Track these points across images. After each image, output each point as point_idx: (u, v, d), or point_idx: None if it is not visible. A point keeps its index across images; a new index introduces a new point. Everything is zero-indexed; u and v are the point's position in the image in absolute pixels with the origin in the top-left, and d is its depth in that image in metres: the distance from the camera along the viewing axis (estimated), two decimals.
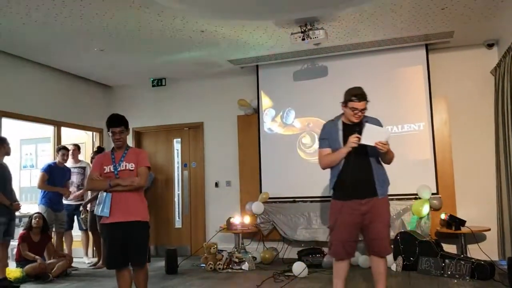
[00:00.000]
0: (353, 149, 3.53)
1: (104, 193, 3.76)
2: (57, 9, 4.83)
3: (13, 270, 5.71)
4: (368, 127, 3.50)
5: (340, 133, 3.69)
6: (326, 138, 3.77)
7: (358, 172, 3.57)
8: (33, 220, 6.02)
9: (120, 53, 6.43)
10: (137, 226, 3.78)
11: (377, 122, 3.69)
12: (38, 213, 6.20)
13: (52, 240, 6.47)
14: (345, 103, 3.67)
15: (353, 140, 3.52)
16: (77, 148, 7.22)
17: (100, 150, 7.07)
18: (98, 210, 3.79)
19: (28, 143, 8.61)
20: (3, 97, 6.18)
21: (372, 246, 3.69)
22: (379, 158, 3.69)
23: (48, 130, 7.34)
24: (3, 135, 6.02)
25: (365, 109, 3.62)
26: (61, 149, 6.68)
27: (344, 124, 3.73)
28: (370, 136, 3.48)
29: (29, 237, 6.02)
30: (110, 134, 3.89)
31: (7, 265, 5.62)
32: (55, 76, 7.16)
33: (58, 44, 5.95)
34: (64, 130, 7.35)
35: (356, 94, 3.61)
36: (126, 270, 3.87)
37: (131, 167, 3.83)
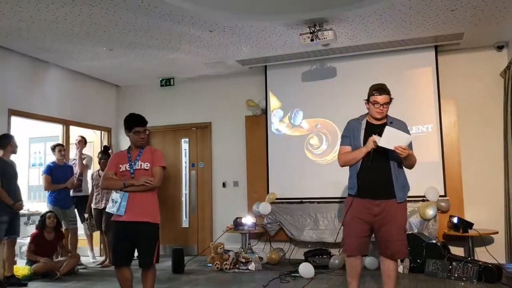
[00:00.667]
0: (374, 150, 3.49)
1: (120, 193, 3.78)
2: (66, 9, 4.86)
3: (21, 268, 5.74)
4: (388, 130, 3.44)
5: (362, 132, 3.65)
6: (348, 135, 3.73)
7: (377, 173, 3.53)
8: (47, 220, 6.04)
9: (129, 53, 6.46)
10: (146, 226, 3.80)
11: (403, 125, 3.66)
12: (51, 211, 6.21)
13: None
14: (367, 99, 3.66)
15: (372, 141, 3.49)
16: (83, 140, 7.13)
17: (106, 149, 7.10)
18: (112, 209, 3.80)
19: (37, 142, 8.65)
20: (12, 95, 6.23)
21: (385, 248, 3.61)
22: (401, 162, 3.61)
23: (57, 129, 7.37)
24: (12, 133, 6.07)
25: (387, 103, 3.58)
26: (56, 146, 6.63)
27: (368, 123, 3.68)
28: (389, 139, 3.41)
29: (42, 237, 6.05)
30: (131, 133, 3.89)
31: (14, 263, 5.66)
32: (64, 75, 7.20)
33: (67, 43, 5.99)
34: (73, 128, 7.39)
35: (377, 88, 3.60)
36: (127, 268, 3.89)
37: (146, 166, 3.85)
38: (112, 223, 3.91)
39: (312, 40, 5.41)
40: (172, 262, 6.24)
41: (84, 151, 7.23)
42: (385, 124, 3.57)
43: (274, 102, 7.25)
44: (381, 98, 3.56)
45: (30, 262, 5.94)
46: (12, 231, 5.49)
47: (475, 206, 6.25)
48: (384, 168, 3.55)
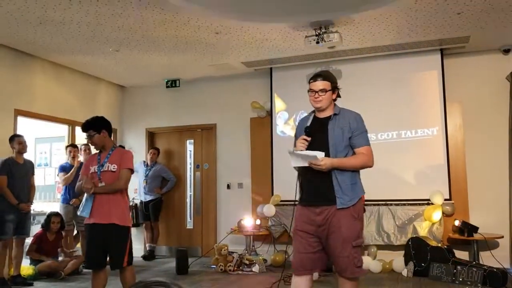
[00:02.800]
0: (310, 148, 3.03)
1: (87, 195, 3.82)
2: (73, 9, 4.89)
3: (25, 267, 5.78)
4: (292, 154, 3.00)
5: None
6: (296, 136, 3.26)
7: (316, 178, 3.00)
8: (51, 224, 6.07)
9: (135, 54, 6.48)
10: (113, 229, 3.78)
11: (351, 116, 3.11)
12: (56, 214, 6.21)
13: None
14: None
15: (299, 144, 3.06)
16: (87, 148, 7.15)
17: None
18: (80, 210, 3.85)
19: (43, 142, 8.71)
20: (18, 96, 6.26)
21: (334, 263, 3.07)
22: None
23: (62, 129, 7.41)
24: (18, 133, 6.10)
25: (324, 90, 3.06)
26: (68, 147, 6.68)
27: (314, 118, 3.21)
28: (298, 161, 2.99)
29: (45, 237, 6.10)
30: None
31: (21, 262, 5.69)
32: (70, 76, 7.24)
33: (74, 44, 6.02)
34: (79, 129, 7.39)
35: (313, 75, 3.16)
36: (102, 272, 3.88)
37: (114, 168, 3.85)
38: (85, 227, 3.96)
39: (317, 42, 5.42)
40: (176, 263, 6.24)
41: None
42: (330, 117, 3.10)
43: (279, 104, 7.25)
44: (315, 85, 3.09)
45: (34, 262, 5.96)
46: (21, 231, 5.52)
47: (480, 210, 6.22)
48: (324, 171, 2.97)
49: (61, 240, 6.31)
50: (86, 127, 3.96)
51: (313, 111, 3.23)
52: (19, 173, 5.55)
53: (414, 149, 6.44)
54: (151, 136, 8.40)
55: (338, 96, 3.19)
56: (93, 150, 4.27)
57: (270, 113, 7.32)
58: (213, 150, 7.94)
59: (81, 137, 7.32)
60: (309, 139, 3.03)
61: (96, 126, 3.94)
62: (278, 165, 7.10)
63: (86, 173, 3.92)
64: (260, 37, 5.88)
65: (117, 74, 7.73)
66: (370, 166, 3.11)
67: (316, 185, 3.03)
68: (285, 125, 7.18)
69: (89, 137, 3.93)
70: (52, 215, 6.15)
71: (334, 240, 2.95)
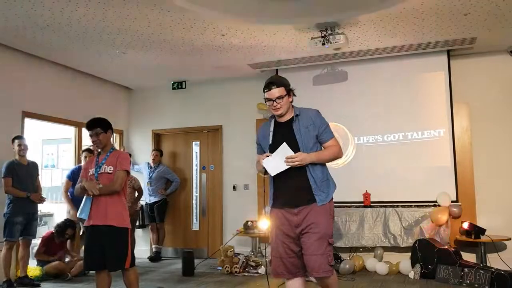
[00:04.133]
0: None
1: (87, 198, 3.83)
2: (80, 12, 4.91)
3: (32, 269, 5.81)
4: (266, 161, 3.04)
5: (271, 134, 3.17)
6: (258, 143, 3.30)
7: (291, 177, 3.04)
8: (65, 234, 6.08)
9: (142, 56, 6.50)
10: (111, 231, 3.78)
11: (312, 114, 3.16)
12: (73, 227, 6.18)
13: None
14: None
15: (261, 161, 3.07)
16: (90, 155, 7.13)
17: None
18: (79, 213, 3.88)
19: (50, 143, 8.75)
20: (26, 98, 6.29)
21: (305, 262, 3.01)
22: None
23: (69, 131, 7.44)
24: (25, 135, 6.14)
25: (281, 97, 3.08)
26: (84, 151, 6.62)
27: (276, 122, 3.22)
28: (276, 164, 3.02)
29: (52, 240, 6.13)
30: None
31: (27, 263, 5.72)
32: (77, 78, 7.27)
33: (81, 46, 6.05)
34: (85, 131, 7.40)
35: (266, 84, 3.13)
36: (104, 273, 3.87)
37: (110, 170, 3.87)
38: (85, 228, 3.97)
39: (323, 44, 5.42)
40: (182, 265, 6.25)
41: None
42: (292, 119, 3.13)
43: None
44: (271, 93, 3.08)
45: (41, 263, 5.99)
46: (28, 232, 5.55)
47: (488, 212, 6.19)
48: (299, 170, 3.01)
49: (67, 242, 6.33)
50: (94, 124, 3.97)
51: (272, 116, 3.24)
52: (24, 174, 5.58)
53: (420, 150, 6.41)
54: (157, 138, 8.42)
55: (294, 95, 3.21)
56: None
57: None
58: (219, 151, 7.95)
59: (87, 139, 7.36)
60: (269, 155, 3.05)
61: (103, 125, 4.00)
62: None
63: (86, 175, 3.93)
64: (265, 39, 5.88)
65: (123, 76, 7.76)
66: (341, 157, 3.22)
67: (292, 185, 3.06)
68: None
69: (95, 135, 3.93)
70: (69, 227, 6.12)
71: (310, 238, 2.96)
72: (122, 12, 4.92)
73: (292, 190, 3.06)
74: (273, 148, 3.07)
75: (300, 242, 3.02)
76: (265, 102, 3.17)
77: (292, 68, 7.10)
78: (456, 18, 5.26)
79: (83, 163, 6.54)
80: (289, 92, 3.15)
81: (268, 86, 3.11)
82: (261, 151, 3.25)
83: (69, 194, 6.30)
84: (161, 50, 6.25)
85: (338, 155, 3.15)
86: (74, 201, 6.27)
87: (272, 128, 3.18)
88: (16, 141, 5.63)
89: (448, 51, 6.40)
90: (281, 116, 3.15)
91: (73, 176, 6.40)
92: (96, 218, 3.78)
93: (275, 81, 3.15)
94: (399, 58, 6.59)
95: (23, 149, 5.65)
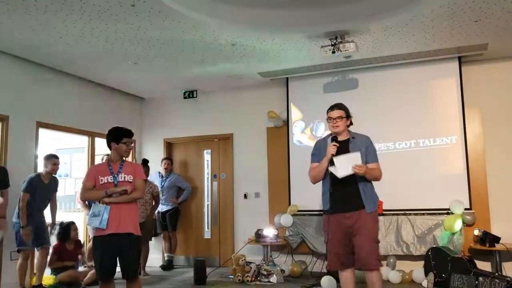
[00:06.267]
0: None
1: (101, 206, 3.83)
2: (92, 24, 4.98)
3: (46, 277, 5.85)
4: (338, 159, 3.70)
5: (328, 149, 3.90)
6: (316, 154, 4.01)
7: (345, 186, 3.73)
8: (72, 232, 6.14)
9: (153, 66, 6.57)
10: (130, 238, 3.83)
11: (366, 140, 3.94)
12: (72, 222, 6.27)
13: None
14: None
15: (331, 147, 3.79)
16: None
17: (145, 162, 7.08)
18: (95, 222, 3.82)
19: (63, 153, 8.83)
20: (40, 108, 6.39)
21: (356, 259, 3.76)
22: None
23: (82, 140, 7.52)
24: (39, 144, 6.22)
25: (341, 117, 3.90)
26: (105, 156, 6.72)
27: (334, 140, 3.92)
28: (344, 167, 3.67)
29: (64, 247, 6.17)
30: (120, 144, 3.98)
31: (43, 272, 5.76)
32: (89, 88, 7.36)
33: (93, 57, 6.12)
34: (98, 140, 7.51)
35: (331, 106, 4.00)
36: (112, 282, 3.91)
37: (130, 178, 3.92)
38: (95, 239, 3.91)
39: (333, 52, 5.43)
40: (194, 273, 6.26)
41: None
42: (348, 140, 3.90)
43: (295, 114, 7.25)
44: (333, 113, 3.92)
45: (55, 272, 6.04)
46: (43, 241, 5.60)
47: (502, 219, 6.11)
48: (351, 181, 3.74)
49: (81, 249, 6.38)
50: (132, 133, 4.10)
51: (329, 136, 4.01)
52: (40, 193, 5.61)
53: (433, 158, 6.37)
54: (169, 147, 8.47)
55: (351, 123, 4.02)
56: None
57: (286, 123, 7.33)
58: (230, 159, 7.97)
59: (100, 148, 7.45)
60: (337, 144, 3.80)
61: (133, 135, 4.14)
62: (295, 174, 7.08)
63: (93, 182, 3.92)
64: (275, 48, 5.91)
65: (135, 86, 7.84)
66: (380, 179, 3.91)
67: (345, 195, 3.76)
68: (301, 135, 7.18)
69: (130, 144, 4.03)
70: (71, 224, 6.21)
71: (360, 238, 3.69)
72: (134, 23, 4.98)
73: (345, 198, 3.76)
74: (332, 160, 3.75)
75: (352, 241, 3.73)
76: (327, 120, 3.98)
77: (302, 76, 7.12)
78: (466, 25, 5.24)
79: None
80: (347, 116, 3.96)
81: (331, 108, 3.98)
82: (317, 160, 3.97)
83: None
84: (172, 60, 6.31)
85: (379, 177, 3.90)
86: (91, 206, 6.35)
87: (329, 144, 3.88)
88: (52, 159, 5.71)
89: (459, 58, 6.37)
90: (338, 134, 3.91)
91: None
92: (116, 226, 3.79)
93: (337, 104, 4.01)
94: (410, 65, 6.57)
95: (57, 168, 5.75)
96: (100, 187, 3.88)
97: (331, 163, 3.74)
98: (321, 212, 6.68)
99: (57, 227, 6.18)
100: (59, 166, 5.82)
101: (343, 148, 3.82)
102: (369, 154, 3.87)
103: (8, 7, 4.53)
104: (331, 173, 3.76)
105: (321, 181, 3.95)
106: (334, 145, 3.80)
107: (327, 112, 3.97)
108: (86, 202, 6.33)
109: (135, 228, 3.89)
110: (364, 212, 3.74)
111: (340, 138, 3.91)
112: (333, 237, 3.79)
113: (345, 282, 3.86)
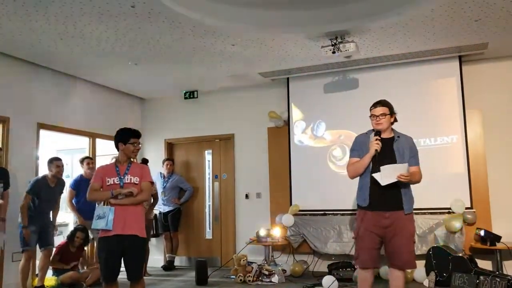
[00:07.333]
0: (380, 160, 3.66)
1: (106, 207, 3.82)
2: (93, 25, 4.99)
3: (48, 279, 5.86)
4: (385, 169, 3.62)
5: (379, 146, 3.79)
6: (356, 149, 3.90)
7: (387, 188, 3.64)
8: (75, 238, 6.13)
9: (154, 67, 6.58)
10: (135, 240, 3.83)
11: (409, 141, 3.85)
12: (82, 230, 6.18)
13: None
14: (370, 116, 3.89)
15: (374, 143, 3.69)
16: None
17: (145, 162, 7.08)
18: (101, 224, 3.80)
19: (64, 154, 8.83)
20: (40, 109, 6.40)
21: (394, 258, 3.73)
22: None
23: (83, 141, 7.53)
24: (40, 145, 6.23)
25: (384, 114, 3.77)
26: (84, 159, 6.60)
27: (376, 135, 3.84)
28: (389, 176, 3.61)
29: (67, 248, 6.17)
30: (128, 144, 3.96)
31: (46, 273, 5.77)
32: (90, 89, 7.37)
33: (94, 58, 6.13)
34: (99, 141, 7.52)
35: (374, 103, 3.88)
36: (116, 284, 3.91)
37: (136, 180, 3.91)
38: (100, 240, 3.89)
39: (333, 52, 5.43)
40: (196, 274, 6.26)
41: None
42: (393, 138, 3.81)
43: (296, 114, 7.26)
44: (376, 111, 3.80)
45: (56, 273, 6.05)
46: (47, 242, 5.62)
47: (503, 218, 6.11)
48: (394, 183, 3.65)
49: (83, 252, 6.38)
50: (140, 134, 4.11)
51: (371, 131, 3.87)
52: (46, 196, 5.62)
53: (433, 157, 6.36)
54: (170, 147, 8.48)
55: (395, 120, 3.87)
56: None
57: (287, 123, 7.33)
58: (231, 160, 7.98)
59: (100, 149, 7.46)
60: (380, 138, 3.71)
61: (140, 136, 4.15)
62: (296, 174, 7.09)
63: (101, 183, 3.91)
64: (276, 48, 5.92)
65: (136, 87, 7.85)
66: (419, 182, 3.83)
67: (387, 195, 3.67)
68: (302, 134, 7.18)
69: (137, 144, 4.02)
70: (78, 231, 6.17)
71: (401, 239, 3.66)
72: (134, 24, 4.99)
73: (386, 199, 3.69)
74: (374, 157, 3.71)
75: (386, 242, 3.72)
76: (370, 118, 3.85)
77: (303, 76, 7.12)
78: (467, 24, 5.24)
79: (83, 171, 6.57)
80: (392, 113, 3.82)
81: (375, 105, 3.85)
82: (357, 155, 3.85)
83: (73, 203, 6.38)
84: (173, 61, 6.31)
85: (419, 180, 3.82)
86: (79, 210, 6.35)
87: (371, 140, 3.77)
88: (55, 162, 5.69)
89: (460, 57, 6.37)
90: (381, 130, 3.79)
91: (76, 186, 6.43)
92: (121, 228, 3.78)
93: (383, 102, 3.86)
94: (410, 64, 6.57)
95: (61, 171, 5.74)
96: (107, 188, 3.87)
97: (374, 167, 3.69)
98: (323, 212, 6.76)
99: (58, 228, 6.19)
100: (63, 167, 5.80)
101: (387, 146, 3.74)
102: (412, 156, 3.79)
103: (8, 9, 4.54)
104: (373, 171, 3.71)
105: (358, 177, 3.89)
106: (377, 140, 3.71)
107: (370, 109, 3.86)
108: (74, 202, 6.36)
109: (140, 230, 3.89)
110: (402, 213, 3.68)
111: (383, 136, 3.80)
112: (367, 234, 3.73)
113: (365, 281, 3.80)
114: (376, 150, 3.68)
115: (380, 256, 3.86)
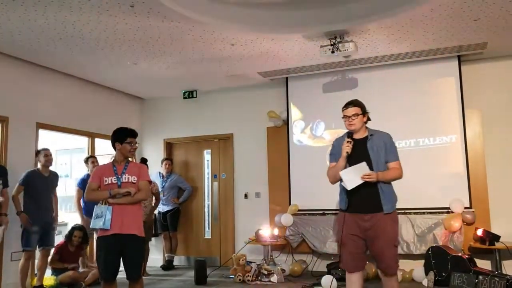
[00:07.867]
0: (354, 164, 3.57)
1: (103, 207, 3.82)
2: (91, 25, 4.99)
3: (47, 278, 5.86)
4: (345, 173, 3.56)
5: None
6: (333, 153, 3.83)
7: (364, 187, 3.54)
8: (73, 237, 6.11)
9: (153, 66, 6.57)
10: (134, 239, 3.83)
11: (385, 137, 3.72)
12: (80, 229, 6.19)
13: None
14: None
15: (345, 145, 3.62)
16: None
17: (144, 161, 7.07)
18: (99, 223, 3.80)
19: (64, 154, 8.85)
20: (40, 109, 6.39)
21: (378, 262, 3.69)
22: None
23: (82, 141, 7.53)
24: (39, 145, 6.22)
25: (356, 115, 3.66)
26: (90, 158, 6.67)
27: (351, 138, 3.75)
28: (352, 178, 3.53)
29: (66, 248, 6.16)
30: (124, 144, 3.97)
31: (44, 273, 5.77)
32: (89, 89, 7.37)
33: (93, 58, 6.13)
34: (98, 141, 7.52)
35: (345, 104, 3.77)
36: (115, 283, 3.91)
37: (134, 180, 3.91)
38: (99, 239, 3.90)
39: (332, 52, 5.43)
40: (195, 273, 6.26)
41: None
42: (366, 138, 3.69)
43: (295, 113, 7.26)
44: (348, 111, 3.70)
45: (56, 272, 6.05)
46: (47, 242, 5.62)
47: (502, 218, 6.12)
48: (370, 183, 3.55)
49: (82, 251, 6.38)
50: (136, 133, 4.10)
51: (346, 134, 3.74)
52: (42, 186, 5.62)
53: (432, 157, 6.37)
54: (169, 147, 8.48)
55: (368, 119, 3.76)
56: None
57: (286, 122, 7.34)
58: (230, 159, 7.98)
59: (100, 148, 7.46)
60: (351, 141, 3.62)
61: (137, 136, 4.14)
62: (296, 174, 7.09)
63: (99, 183, 3.92)
64: (275, 48, 5.92)
65: (135, 87, 7.85)
66: (401, 178, 3.70)
67: (364, 196, 3.58)
68: (301, 134, 7.18)
69: (134, 144, 4.02)
70: (75, 229, 6.16)
71: (381, 242, 3.55)
72: (133, 23, 4.99)
73: (364, 200, 3.58)
74: (349, 159, 3.61)
75: (369, 245, 3.61)
76: (343, 119, 3.74)
77: (302, 76, 7.13)
78: (466, 24, 5.25)
79: (89, 170, 6.60)
80: (364, 113, 3.71)
81: (346, 106, 3.74)
82: (334, 159, 3.77)
83: (81, 203, 6.38)
84: (172, 60, 6.31)
85: (399, 177, 3.69)
86: (87, 209, 6.32)
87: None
88: (43, 151, 5.71)
89: (459, 57, 6.37)
90: (354, 131, 3.69)
91: (84, 185, 6.41)
92: (119, 227, 3.78)
93: (354, 102, 3.75)
94: (409, 64, 6.58)
95: (50, 159, 5.74)
96: (105, 188, 3.88)
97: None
98: (322, 212, 6.77)
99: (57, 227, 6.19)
100: (52, 156, 5.79)
101: (361, 146, 3.65)
102: (389, 152, 3.67)
103: (7, 8, 4.54)
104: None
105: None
106: (348, 141, 3.61)
107: (342, 110, 3.74)
108: (82, 203, 6.36)
109: (138, 229, 3.89)
110: (381, 214, 3.56)
111: (357, 136, 3.71)
112: (348, 237, 3.63)
113: (352, 284, 3.68)
114: (347, 152, 3.60)
115: (366, 258, 3.78)
